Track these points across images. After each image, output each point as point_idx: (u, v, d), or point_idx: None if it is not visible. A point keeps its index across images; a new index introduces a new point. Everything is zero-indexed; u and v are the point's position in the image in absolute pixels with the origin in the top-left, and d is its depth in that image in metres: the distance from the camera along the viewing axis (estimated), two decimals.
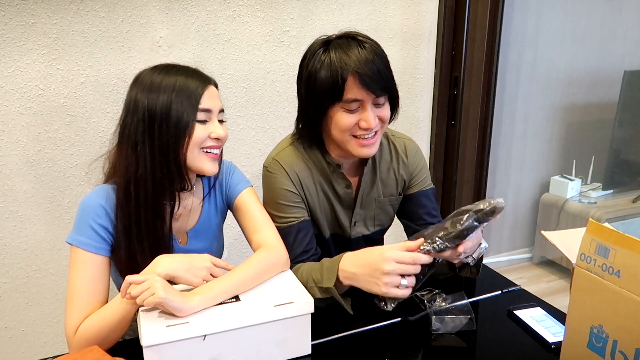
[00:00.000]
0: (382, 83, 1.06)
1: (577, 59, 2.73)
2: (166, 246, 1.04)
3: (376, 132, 1.12)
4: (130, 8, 1.70)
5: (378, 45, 1.10)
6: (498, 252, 2.87)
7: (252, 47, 1.91)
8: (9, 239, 1.73)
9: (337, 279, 1.03)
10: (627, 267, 0.76)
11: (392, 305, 1.02)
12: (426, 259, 0.98)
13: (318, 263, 1.10)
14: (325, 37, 1.12)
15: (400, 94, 2.29)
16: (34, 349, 1.86)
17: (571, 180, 2.75)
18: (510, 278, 1.26)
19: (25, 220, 1.74)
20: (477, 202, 1.00)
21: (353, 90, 1.05)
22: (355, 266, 1.01)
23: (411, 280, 0.98)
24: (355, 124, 1.08)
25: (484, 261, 1.20)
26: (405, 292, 0.98)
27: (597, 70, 2.80)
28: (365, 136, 1.10)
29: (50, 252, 1.80)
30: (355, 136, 1.10)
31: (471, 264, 1.11)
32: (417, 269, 0.98)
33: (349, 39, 1.08)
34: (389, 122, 1.18)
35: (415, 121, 2.34)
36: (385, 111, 1.12)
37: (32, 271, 1.79)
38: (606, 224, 0.88)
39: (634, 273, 0.75)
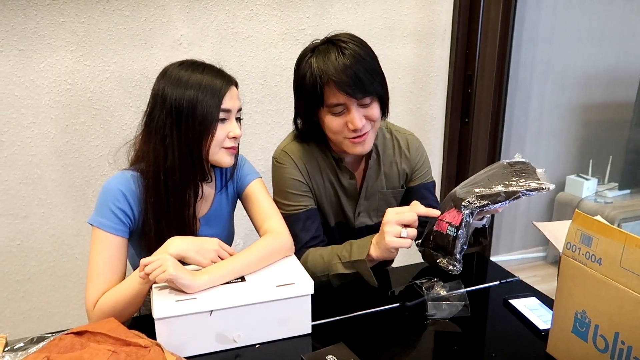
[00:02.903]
0: (360, 87, 1.10)
1: (594, 58, 2.71)
2: (191, 230, 1.12)
3: (366, 131, 1.16)
4: (153, 7, 1.78)
5: (362, 47, 1.12)
6: (510, 250, 2.87)
7: (269, 45, 1.98)
8: (38, 225, 1.85)
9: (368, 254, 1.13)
10: (607, 255, 0.80)
11: (455, 265, 1.06)
12: (423, 210, 1.08)
13: (345, 243, 1.19)
14: (317, 41, 1.17)
15: (414, 91, 2.35)
16: (60, 329, 1.97)
17: (587, 179, 2.74)
18: (522, 276, 1.28)
19: (53, 207, 1.85)
20: (528, 178, 1.03)
21: (334, 95, 1.11)
22: (378, 235, 1.12)
23: (411, 232, 1.07)
24: (344, 125, 1.14)
25: (495, 258, 1.24)
26: (405, 242, 1.07)
27: (616, 70, 2.78)
28: (356, 136, 1.16)
29: (76, 237, 1.90)
30: (346, 137, 1.16)
31: (486, 225, 1.17)
32: (415, 218, 1.07)
33: (330, 45, 1.12)
34: (383, 119, 1.22)
35: (429, 119, 2.37)
36: (373, 111, 1.15)
37: (58, 255, 1.90)
38: (598, 218, 0.92)
39: (614, 260, 0.79)
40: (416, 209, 1.08)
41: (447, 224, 1.08)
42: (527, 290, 1.18)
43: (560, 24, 2.58)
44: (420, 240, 1.18)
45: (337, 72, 1.08)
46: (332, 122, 1.15)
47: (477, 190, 1.04)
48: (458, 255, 1.08)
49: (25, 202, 1.81)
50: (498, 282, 1.22)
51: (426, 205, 1.31)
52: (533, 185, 1.00)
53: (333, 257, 1.16)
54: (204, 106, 1.04)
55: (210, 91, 1.04)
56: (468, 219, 1.04)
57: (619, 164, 2.79)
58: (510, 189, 1.01)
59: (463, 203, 1.03)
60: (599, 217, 0.96)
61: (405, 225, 1.08)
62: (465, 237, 1.07)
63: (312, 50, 1.14)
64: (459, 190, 1.11)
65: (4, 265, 1.84)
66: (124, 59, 1.80)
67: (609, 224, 0.81)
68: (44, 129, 1.77)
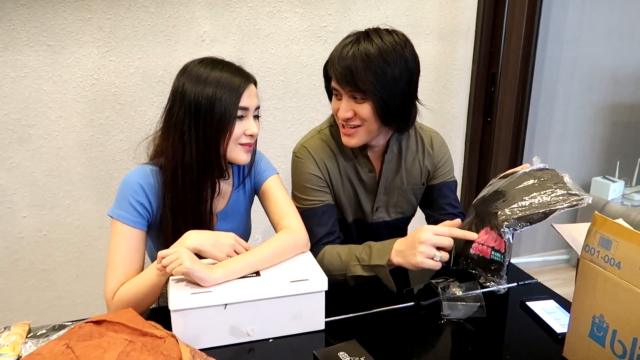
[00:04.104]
0: (347, 80, 1.10)
1: (624, 56, 2.64)
2: (207, 225, 1.13)
3: (356, 126, 1.16)
4: (177, 4, 1.81)
5: (383, 49, 1.09)
6: (531, 252, 2.82)
7: (291, 42, 1.99)
8: (64, 216, 1.90)
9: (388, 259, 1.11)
10: (627, 259, 0.78)
11: (501, 282, 1.01)
12: (460, 233, 1.04)
13: (363, 244, 1.18)
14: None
15: (436, 90, 2.33)
16: (83, 317, 2.02)
17: (614, 181, 2.67)
18: (544, 279, 1.26)
19: (78, 200, 1.90)
20: (565, 193, 0.98)
21: (334, 77, 1.14)
22: (402, 244, 1.10)
23: (444, 257, 1.05)
24: (337, 111, 1.17)
25: (516, 260, 1.22)
26: (436, 265, 1.05)
27: None
28: (345, 125, 1.17)
29: (100, 229, 1.95)
30: (340, 123, 1.18)
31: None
32: (452, 244, 1.05)
33: (359, 35, 1.12)
34: (386, 125, 1.18)
35: (450, 117, 2.35)
36: (361, 109, 1.13)
37: (83, 246, 1.95)
38: (620, 221, 0.90)
39: (633, 264, 0.77)
40: (453, 232, 1.04)
41: (490, 249, 1.02)
42: (545, 293, 1.17)
43: (588, 21, 2.51)
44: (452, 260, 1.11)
45: (340, 59, 1.10)
46: (333, 104, 1.20)
47: (513, 208, 0.98)
48: (505, 275, 1.04)
49: (52, 193, 1.86)
50: (516, 284, 1.21)
51: (446, 204, 1.31)
52: (571, 201, 0.95)
53: (352, 258, 1.15)
54: (222, 104, 1.05)
55: (229, 89, 1.05)
56: (511, 242, 1.00)
57: None
58: (551, 207, 0.96)
59: (502, 229, 0.97)
60: (620, 220, 0.94)
61: (439, 248, 1.05)
62: (510, 256, 1.03)
63: (349, 35, 1.15)
64: (493, 205, 1.03)
65: (31, 254, 1.90)
66: (148, 55, 1.83)
67: (629, 227, 0.79)
68: (70, 122, 1.81)
